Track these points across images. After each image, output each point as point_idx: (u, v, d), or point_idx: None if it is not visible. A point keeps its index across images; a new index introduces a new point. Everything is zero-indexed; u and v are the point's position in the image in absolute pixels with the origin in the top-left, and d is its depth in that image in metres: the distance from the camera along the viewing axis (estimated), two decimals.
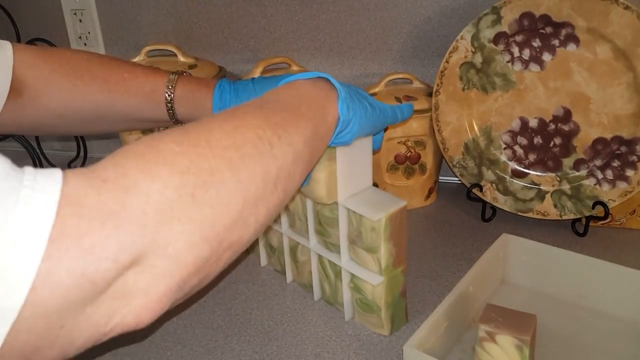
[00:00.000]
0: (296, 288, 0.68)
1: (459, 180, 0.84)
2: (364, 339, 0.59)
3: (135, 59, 0.91)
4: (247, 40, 0.97)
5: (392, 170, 0.84)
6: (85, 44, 1.05)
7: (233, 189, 0.34)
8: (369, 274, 0.56)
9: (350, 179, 0.54)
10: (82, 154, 1.05)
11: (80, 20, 1.03)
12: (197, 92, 0.60)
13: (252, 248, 0.74)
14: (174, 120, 0.62)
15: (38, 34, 1.03)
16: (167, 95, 0.59)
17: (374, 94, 0.82)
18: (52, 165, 1.04)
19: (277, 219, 0.66)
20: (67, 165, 1.04)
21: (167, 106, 0.60)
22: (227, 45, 0.99)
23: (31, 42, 0.96)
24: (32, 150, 0.95)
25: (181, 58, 0.91)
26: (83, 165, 1.05)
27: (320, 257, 0.62)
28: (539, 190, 0.78)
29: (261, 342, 0.59)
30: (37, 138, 1.02)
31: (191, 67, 0.89)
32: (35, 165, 0.97)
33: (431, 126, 0.81)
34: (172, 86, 0.60)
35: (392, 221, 0.53)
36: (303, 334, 0.60)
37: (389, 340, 0.58)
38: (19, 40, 1.04)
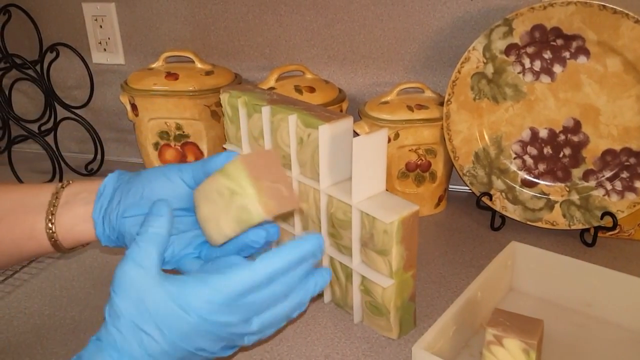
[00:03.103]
0: None
1: (469, 189, 0.85)
2: (373, 341, 0.60)
3: (154, 65, 0.93)
4: (262, 48, 0.99)
5: (403, 178, 0.85)
6: (105, 49, 1.07)
7: None
8: (380, 277, 0.57)
9: (364, 182, 0.56)
10: (99, 156, 1.07)
11: (101, 27, 1.05)
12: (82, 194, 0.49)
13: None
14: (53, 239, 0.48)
15: (60, 38, 1.06)
16: (52, 203, 0.48)
17: (386, 103, 0.83)
18: (70, 168, 1.06)
19: (290, 222, 0.68)
20: (84, 167, 1.06)
21: (47, 217, 0.48)
22: (243, 53, 1.01)
23: (53, 46, 0.99)
24: (51, 153, 0.97)
25: (198, 64, 0.93)
26: (100, 168, 1.07)
27: (331, 260, 0.63)
28: (548, 200, 0.79)
29: (272, 342, 0.60)
30: (55, 140, 1.05)
31: (208, 73, 0.91)
32: (54, 167, 0.98)
33: (442, 135, 0.82)
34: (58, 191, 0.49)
35: (405, 224, 0.54)
36: (313, 335, 0.61)
37: (397, 344, 0.59)
38: (41, 45, 1.06)
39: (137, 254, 0.39)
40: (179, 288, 0.38)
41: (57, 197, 0.48)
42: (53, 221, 0.47)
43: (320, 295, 0.67)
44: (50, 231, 0.47)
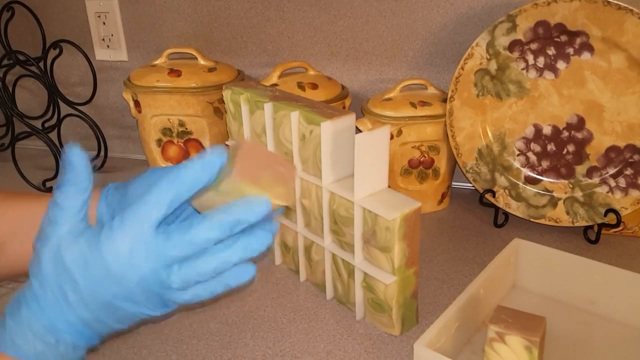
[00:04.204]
0: (309, 287, 0.69)
1: (472, 186, 0.85)
2: (375, 338, 0.60)
3: (157, 62, 0.93)
4: (265, 44, 0.99)
5: (406, 175, 0.85)
6: (108, 46, 1.07)
7: None
8: (382, 274, 0.57)
9: (366, 179, 0.56)
10: (102, 153, 1.07)
11: (104, 23, 1.05)
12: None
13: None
14: None
15: (63, 35, 1.06)
16: None
17: (389, 99, 0.83)
18: None
19: (292, 218, 0.68)
20: None
21: None
22: (245, 49, 1.01)
23: (56, 43, 0.99)
24: (54, 149, 0.97)
25: (201, 61, 0.93)
26: (103, 164, 1.08)
27: (334, 257, 0.63)
28: (552, 197, 0.79)
29: (274, 339, 0.60)
30: (59, 137, 1.05)
31: (211, 69, 0.91)
32: (57, 164, 0.98)
33: (445, 131, 0.82)
34: None
35: (407, 221, 0.54)
36: (315, 332, 0.61)
37: (399, 340, 0.59)
38: (44, 42, 1.07)
39: (58, 207, 0.39)
40: (94, 233, 0.38)
41: None
42: None
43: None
44: None
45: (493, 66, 0.78)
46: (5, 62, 0.97)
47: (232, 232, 0.38)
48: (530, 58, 0.76)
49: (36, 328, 0.38)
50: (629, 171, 0.74)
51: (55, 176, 0.99)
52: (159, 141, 0.94)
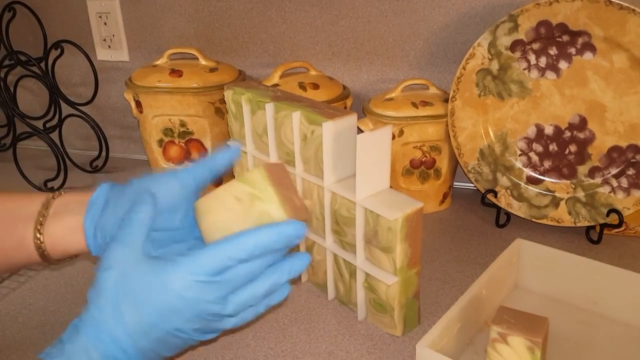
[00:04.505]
0: (311, 287, 0.69)
1: (474, 186, 0.85)
2: (377, 338, 0.60)
3: (158, 62, 0.93)
4: (266, 44, 0.99)
5: (407, 175, 0.85)
6: (109, 47, 1.07)
7: None
8: (384, 274, 0.57)
9: (368, 179, 0.56)
10: (104, 153, 1.07)
11: (105, 24, 1.05)
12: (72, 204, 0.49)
13: None
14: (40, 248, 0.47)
15: (64, 35, 1.06)
16: (40, 213, 0.48)
17: (390, 99, 0.83)
18: (75, 164, 1.06)
19: None
20: (89, 164, 1.07)
21: (36, 228, 0.47)
22: (247, 50, 1.01)
23: (58, 43, 0.99)
24: (56, 149, 0.97)
25: (202, 61, 0.93)
26: (104, 165, 1.08)
27: (335, 257, 0.63)
28: (554, 197, 0.79)
29: (276, 339, 0.60)
30: (60, 137, 1.05)
31: (212, 70, 0.91)
32: (58, 164, 0.98)
33: (447, 131, 0.82)
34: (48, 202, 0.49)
35: (409, 221, 0.54)
36: (317, 332, 0.61)
37: (401, 341, 0.59)
38: (45, 42, 1.07)
39: (122, 236, 0.41)
40: (159, 265, 0.39)
41: (47, 208, 0.48)
42: (41, 231, 0.47)
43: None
44: (38, 241, 0.47)
45: (495, 66, 0.77)
46: (6, 62, 0.97)
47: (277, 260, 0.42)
48: (532, 58, 0.76)
49: (94, 355, 0.39)
50: (631, 171, 0.74)
51: (57, 176, 0.99)
52: (160, 141, 0.94)
